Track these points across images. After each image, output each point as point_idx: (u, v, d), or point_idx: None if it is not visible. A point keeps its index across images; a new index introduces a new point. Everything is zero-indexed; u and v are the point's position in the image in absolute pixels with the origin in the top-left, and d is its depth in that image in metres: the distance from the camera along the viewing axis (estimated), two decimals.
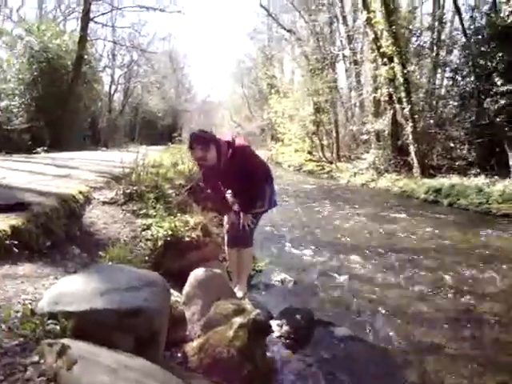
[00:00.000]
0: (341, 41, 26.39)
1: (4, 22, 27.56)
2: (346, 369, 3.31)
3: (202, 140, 3.83)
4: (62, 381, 1.61)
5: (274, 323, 3.74)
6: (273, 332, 3.56)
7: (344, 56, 25.03)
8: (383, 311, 4.43)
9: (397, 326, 4.10)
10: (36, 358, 1.73)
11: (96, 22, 25.27)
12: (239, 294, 4.11)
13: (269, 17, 34.46)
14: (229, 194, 4.41)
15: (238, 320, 2.85)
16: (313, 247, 6.88)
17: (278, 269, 5.64)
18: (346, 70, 25.65)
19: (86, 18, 21.43)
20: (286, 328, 3.73)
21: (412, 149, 15.43)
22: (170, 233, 4.14)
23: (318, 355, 3.48)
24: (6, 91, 18.16)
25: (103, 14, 26.05)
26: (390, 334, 3.93)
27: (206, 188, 4.53)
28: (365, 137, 19.94)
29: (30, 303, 2.17)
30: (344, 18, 24.82)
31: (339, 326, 4.01)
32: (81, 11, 22.98)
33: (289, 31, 30.60)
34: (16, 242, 2.93)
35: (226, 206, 4.38)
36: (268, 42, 39.88)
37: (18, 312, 2.07)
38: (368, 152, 19.05)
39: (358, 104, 24.30)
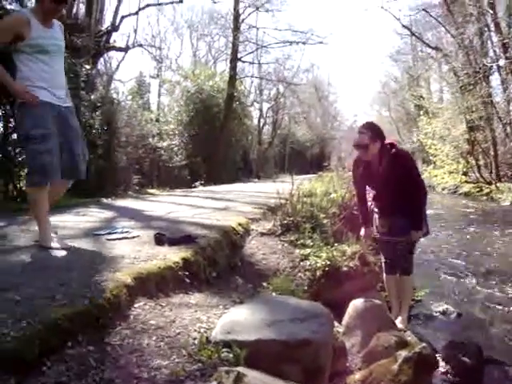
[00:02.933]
0: (494, 51, 24.48)
1: (165, 72, 30.80)
2: None
3: (372, 129, 3.94)
4: None
5: (438, 358, 3.52)
6: (438, 367, 3.36)
7: (499, 67, 23.20)
8: None
9: None
10: None
11: (243, 61, 26.93)
12: (401, 325, 3.95)
13: (412, 36, 33.48)
14: (372, 204, 4.32)
15: (402, 353, 2.74)
16: (476, 275, 6.37)
17: (439, 299, 5.32)
18: (502, 82, 23.62)
19: (234, 59, 23.01)
20: (451, 364, 3.47)
21: None
22: (327, 263, 4.16)
23: None
24: (167, 132, 20.00)
25: (250, 53, 27.73)
26: None
27: (354, 189, 4.46)
28: None
29: (205, 331, 2.33)
30: (497, 25, 23.05)
31: None
32: (229, 53, 24.75)
33: (435, 48, 29.33)
34: (187, 273, 3.17)
35: (365, 217, 4.30)
36: (413, 62, 38.62)
37: (195, 339, 2.24)
38: None
39: None
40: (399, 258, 4.14)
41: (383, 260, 4.36)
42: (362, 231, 4.44)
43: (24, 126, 3.32)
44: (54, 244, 3.39)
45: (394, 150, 3.95)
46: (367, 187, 4.38)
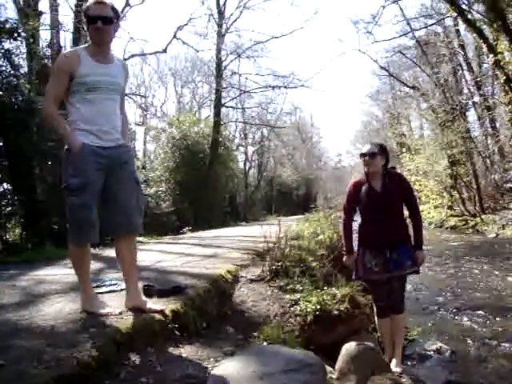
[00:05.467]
0: (468, 88, 25.44)
1: (151, 119, 31.29)
2: None
3: (381, 146, 4.21)
4: None
5: None
6: None
7: (474, 103, 23.95)
8: None
9: None
10: None
11: (227, 107, 27.49)
12: (397, 369, 3.87)
13: (390, 77, 34.40)
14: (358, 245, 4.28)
15: None
16: (467, 311, 6.34)
17: (432, 337, 5.29)
18: (479, 118, 24.32)
19: (218, 105, 23.46)
20: None
21: None
22: (318, 307, 4.12)
23: None
24: (154, 178, 20.06)
25: (233, 98, 28.31)
26: None
27: (344, 211, 4.41)
28: (510, 185, 18.49)
29: None
30: (469, 64, 24.07)
31: None
32: (213, 99, 25.25)
33: (412, 88, 30.26)
34: (176, 325, 3.12)
35: (350, 244, 4.25)
36: (392, 101, 39.55)
37: None
38: None
39: (496, 151, 22.82)
40: (394, 296, 4.09)
41: (375, 304, 4.29)
42: (345, 258, 4.30)
43: (64, 174, 2.95)
44: (102, 309, 3.06)
45: (397, 170, 4.30)
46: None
